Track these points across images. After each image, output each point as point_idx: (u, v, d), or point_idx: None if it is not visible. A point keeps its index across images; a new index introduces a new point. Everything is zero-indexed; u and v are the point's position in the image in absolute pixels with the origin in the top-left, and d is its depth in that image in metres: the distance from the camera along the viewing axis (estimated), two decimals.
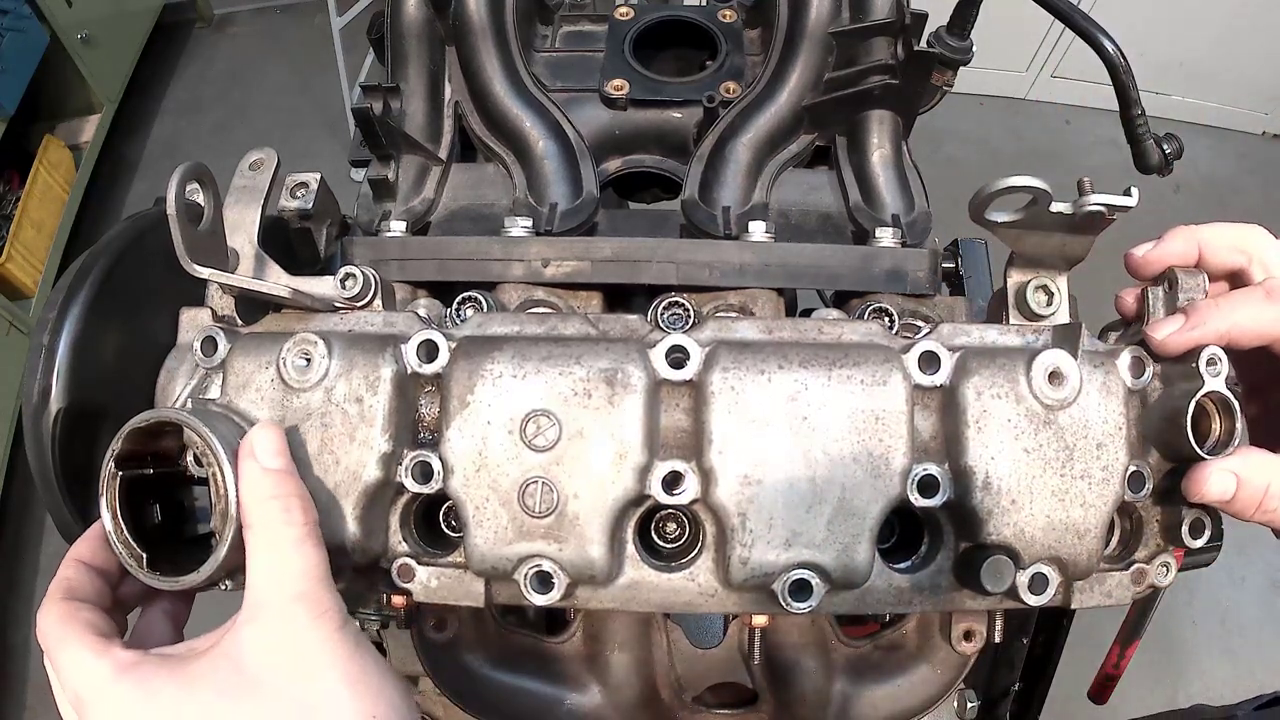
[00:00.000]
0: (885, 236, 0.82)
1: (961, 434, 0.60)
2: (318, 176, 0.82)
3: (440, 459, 0.60)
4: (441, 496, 0.62)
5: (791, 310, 0.86)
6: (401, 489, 0.62)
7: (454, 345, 0.62)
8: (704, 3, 1.21)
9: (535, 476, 0.59)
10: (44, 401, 0.63)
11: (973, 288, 0.93)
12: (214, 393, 0.64)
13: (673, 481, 0.60)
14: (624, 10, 1.07)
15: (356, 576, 0.63)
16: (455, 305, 0.77)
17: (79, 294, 0.65)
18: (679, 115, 0.99)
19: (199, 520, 0.65)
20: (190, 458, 0.62)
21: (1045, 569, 0.59)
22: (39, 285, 2.97)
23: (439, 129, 0.97)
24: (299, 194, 0.81)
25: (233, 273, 0.64)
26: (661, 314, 0.77)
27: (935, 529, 0.63)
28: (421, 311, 0.74)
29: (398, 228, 0.85)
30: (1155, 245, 0.66)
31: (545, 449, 0.59)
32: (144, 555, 0.56)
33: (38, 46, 3.12)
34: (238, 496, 0.54)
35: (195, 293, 0.73)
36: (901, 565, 0.64)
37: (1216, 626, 2.68)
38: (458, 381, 0.61)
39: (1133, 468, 0.61)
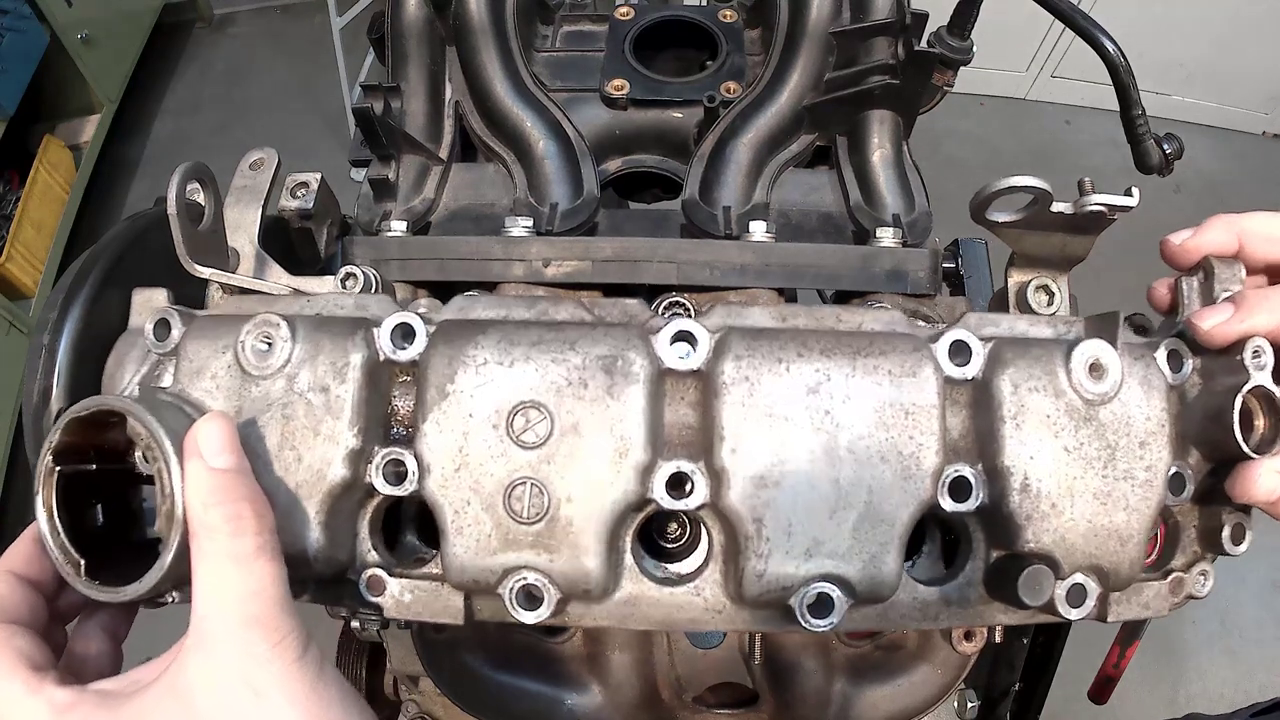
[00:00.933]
0: (886, 236, 0.82)
1: (997, 431, 0.55)
2: (318, 176, 0.82)
3: (415, 457, 0.54)
4: (416, 500, 0.57)
5: None
6: (372, 491, 0.56)
7: (433, 329, 0.56)
8: (704, 3, 1.21)
9: (523, 477, 0.53)
10: (44, 402, 0.63)
11: (973, 288, 0.93)
12: (166, 381, 0.58)
13: (678, 484, 0.54)
14: (624, 10, 1.07)
15: (320, 589, 0.58)
16: None
17: (79, 294, 0.65)
18: (679, 115, 0.99)
19: (149, 524, 0.58)
20: (140, 453, 0.55)
21: (1085, 580, 0.55)
22: (39, 285, 2.97)
23: (439, 129, 0.97)
24: (299, 194, 0.81)
25: (233, 273, 0.64)
26: (662, 314, 0.77)
27: (965, 536, 0.59)
28: (421, 308, 0.74)
29: (398, 228, 0.85)
30: (1194, 233, 0.62)
31: (535, 445, 0.53)
32: (81, 562, 0.50)
33: (38, 46, 3.12)
34: (184, 496, 0.48)
35: (195, 293, 0.73)
36: (928, 577, 0.59)
37: (1216, 626, 2.68)
38: (436, 369, 0.54)
39: (1173, 469, 0.57)
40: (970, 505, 0.55)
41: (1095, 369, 0.55)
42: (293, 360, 0.54)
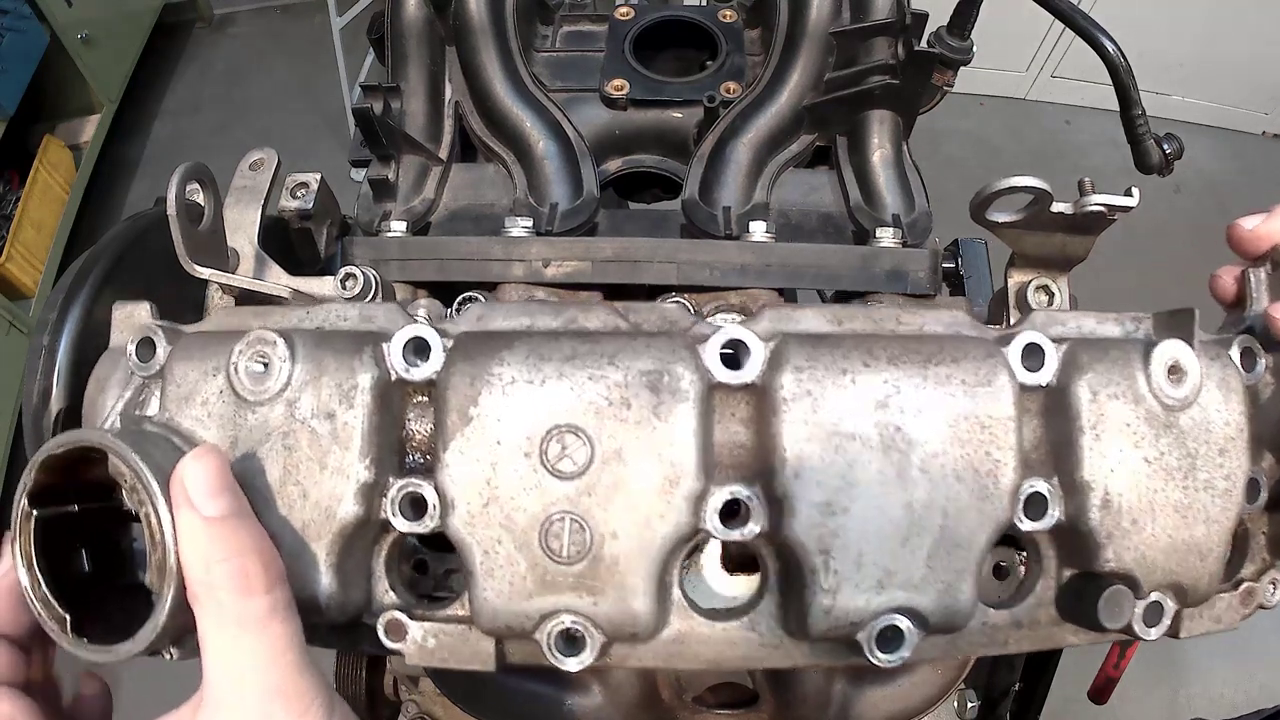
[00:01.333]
0: (886, 236, 0.82)
1: (1075, 442, 0.51)
2: (318, 176, 0.82)
3: (436, 489, 0.48)
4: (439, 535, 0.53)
5: None
6: (387, 527, 0.50)
7: (450, 344, 0.51)
8: (704, 3, 1.21)
9: (561, 511, 0.47)
10: (44, 402, 0.63)
11: (973, 288, 0.93)
12: (152, 408, 0.52)
13: (733, 512, 0.49)
14: (624, 10, 1.07)
15: (334, 634, 0.53)
16: (455, 306, 0.77)
17: (79, 294, 0.65)
18: (679, 115, 0.99)
19: (140, 566, 0.51)
20: (125, 492, 0.49)
21: (1162, 597, 0.52)
22: (39, 285, 2.97)
23: (439, 129, 0.97)
24: (299, 194, 0.81)
25: (233, 273, 0.64)
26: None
27: (1034, 554, 0.55)
28: (421, 311, 0.74)
29: (398, 228, 0.85)
30: (1265, 218, 0.58)
31: (573, 475, 0.47)
32: (67, 617, 0.44)
33: (38, 46, 3.12)
34: (176, 548, 0.42)
35: (196, 293, 0.73)
36: (998, 600, 0.56)
37: None
38: (456, 389, 0.48)
39: (1249, 474, 0.53)
40: (1047, 523, 0.51)
41: (1175, 371, 0.51)
42: (293, 383, 0.49)
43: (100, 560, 0.49)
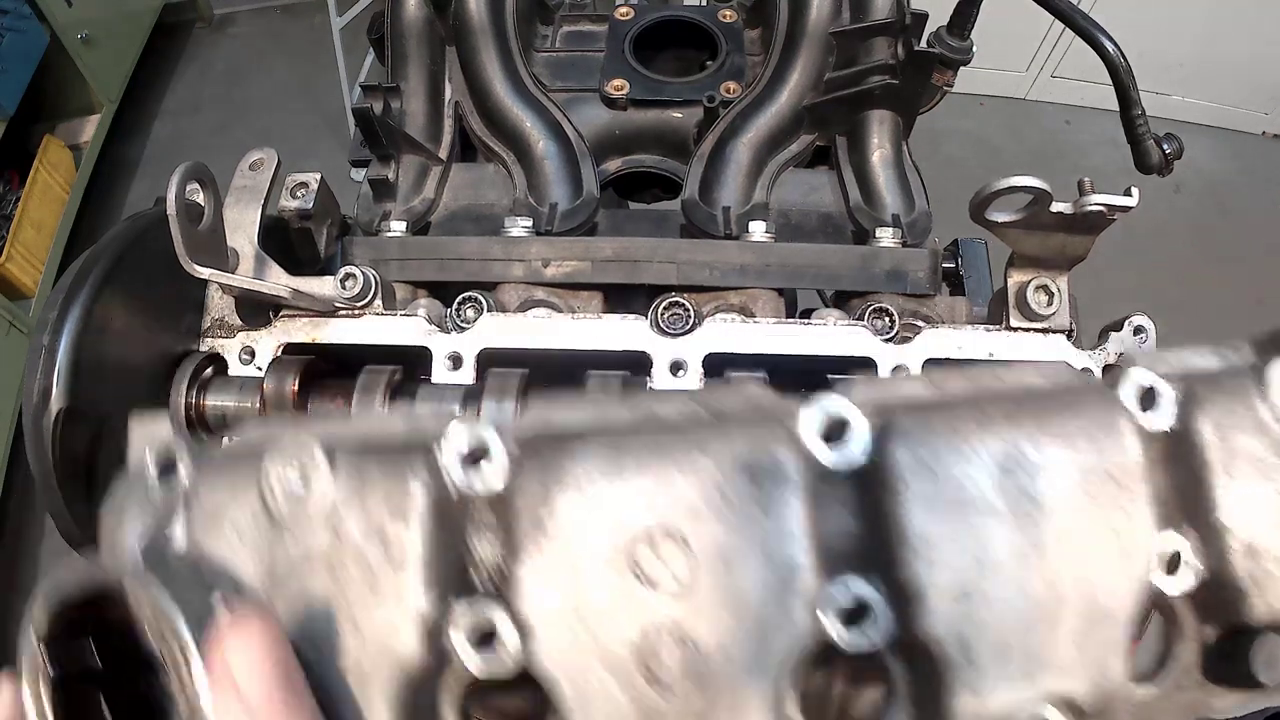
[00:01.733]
0: (885, 236, 0.82)
1: (1206, 484, 0.47)
2: (318, 176, 0.82)
3: (511, 615, 0.42)
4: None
5: (791, 310, 0.86)
6: (456, 667, 0.43)
7: (514, 451, 0.44)
8: (704, 3, 1.21)
9: (661, 628, 0.41)
10: (44, 402, 0.63)
11: (973, 288, 0.93)
12: (179, 531, 0.46)
13: (858, 613, 0.43)
14: (624, 10, 1.07)
15: None
16: (455, 305, 0.77)
17: (79, 294, 0.65)
18: (679, 115, 0.99)
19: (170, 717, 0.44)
20: (146, 629, 0.42)
21: None
22: (39, 285, 2.98)
23: (439, 129, 0.97)
24: (299, 194, 0.81)
25: (233, 273, 0.64)
26: (661, 314, 0.77)
27: (1169, 616, 0.51)
28: (421, 312, 0.75)
29: (398, 228, 0.85)
30: None
31: (671, 585, 0.42)
32: None
33: (38, 46, 3.12)
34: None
35: (195, 293, 0.73)
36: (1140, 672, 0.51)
37: None
38: (526, 494, 0.43)
39: None
40: (1191, 580, 0.47)
41: None
42: (335, 501, 0.43)
43: (123, 710, 0.43)
